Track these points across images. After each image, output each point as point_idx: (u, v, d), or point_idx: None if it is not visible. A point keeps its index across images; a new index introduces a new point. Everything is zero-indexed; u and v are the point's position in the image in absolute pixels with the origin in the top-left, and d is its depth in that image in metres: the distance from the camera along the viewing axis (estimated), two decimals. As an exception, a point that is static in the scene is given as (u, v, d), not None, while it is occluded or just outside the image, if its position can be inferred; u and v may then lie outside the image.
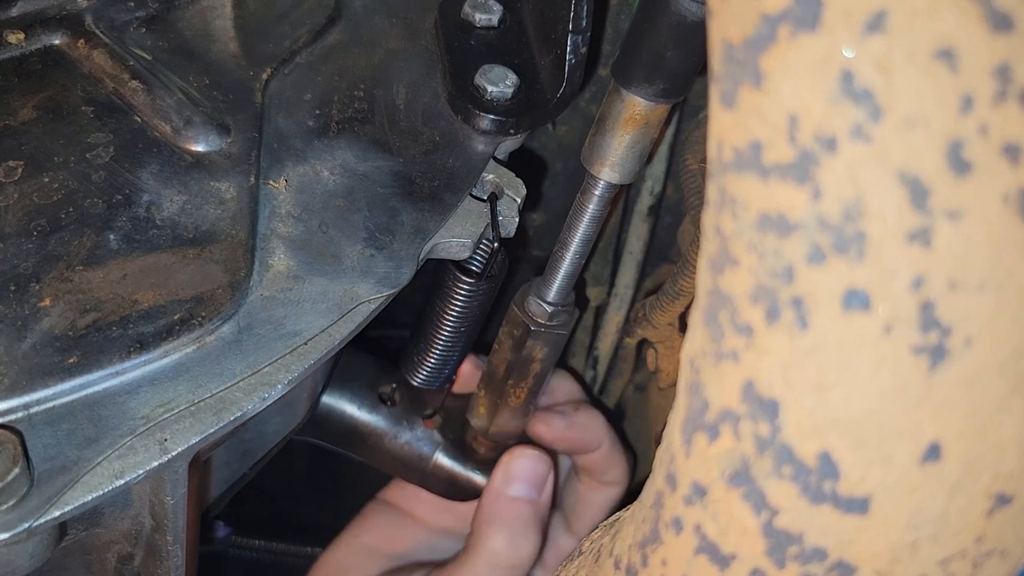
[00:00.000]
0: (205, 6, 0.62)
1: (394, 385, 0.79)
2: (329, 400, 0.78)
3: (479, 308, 0.68)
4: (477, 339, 0.74)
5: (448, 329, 0.69)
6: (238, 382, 0.48)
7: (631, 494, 0.81)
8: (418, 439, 0.79)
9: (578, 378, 0.88)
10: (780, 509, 0.30)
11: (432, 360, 0.72)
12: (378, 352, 0.82)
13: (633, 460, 0.84)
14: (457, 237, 0.57)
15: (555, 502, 0.82)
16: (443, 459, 0.79)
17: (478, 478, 0.79)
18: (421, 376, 0.73)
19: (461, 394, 0.80)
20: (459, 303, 0.67)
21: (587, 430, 0.79)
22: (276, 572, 1.01)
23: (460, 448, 0.80)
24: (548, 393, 0.82)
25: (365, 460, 0.81)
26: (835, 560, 0.30)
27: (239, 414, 0.47)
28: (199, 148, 0.55)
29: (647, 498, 0.36)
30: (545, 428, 0.77)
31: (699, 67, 0.55)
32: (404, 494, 0.86)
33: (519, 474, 0.76)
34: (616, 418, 0.94)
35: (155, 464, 0.45)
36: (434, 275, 0.68)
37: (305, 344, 0.50)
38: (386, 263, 0.54)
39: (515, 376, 0.71)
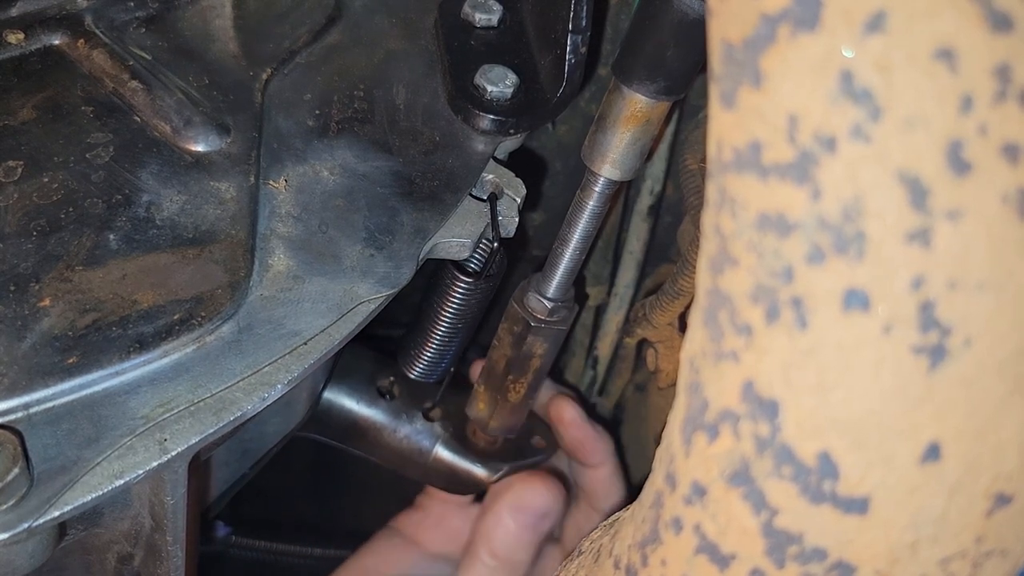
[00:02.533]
0: (205, 6, 0.62)
1: (392, 378, 0.80)
2: (328, 395, 0.78)
3: (477, 306, 0.68)
4: (474, 337, 0.74)
5: (446, 326, 0.69)
6: (238, 382, 0.48)
7: (631, 495, 0.81)
8: (418, 432, 0.79)
9: (575, 387, 0.89)
10: (780, 509, 0.30)
11: (429, 354, 0.72)
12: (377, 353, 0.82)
13: (629, 496, 0.85)
14: (457, 237, 0.57)
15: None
16: (443, 452, 0.79)
17: (478, 471, 0.80)
18: (418, 369, 0.73)
19: (461, 389, 0.80)
20: (457, 301, 0.67)
21: (598, 437, 0.79)
22: (276, 572, 1.01)
23: (460, 441, 0.80)
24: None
25: (365, 455, 0.81)
26: (835, 560, 0.30)
27: (239, 414, 0.47)
28: (199, 148, 0.55)
29: (646, 498, 0.36)
30: (567, 408, 0.78)
31: (700, 65, 0.55)
32: (411, 520, 0.87)
33: (528, 505, 0.78)
34: (616, 418, 0.94)
35: (155, 464, 0.45)
36: (432, 271, 0.68)
37: (305, 344, 0.50)
38: (386, 263, 0.54)
39: (515, 372, 0.71)
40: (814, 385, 0.28)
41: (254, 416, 0.48)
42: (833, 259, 0.27)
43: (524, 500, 0.78)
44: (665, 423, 0.35)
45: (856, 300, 0.27)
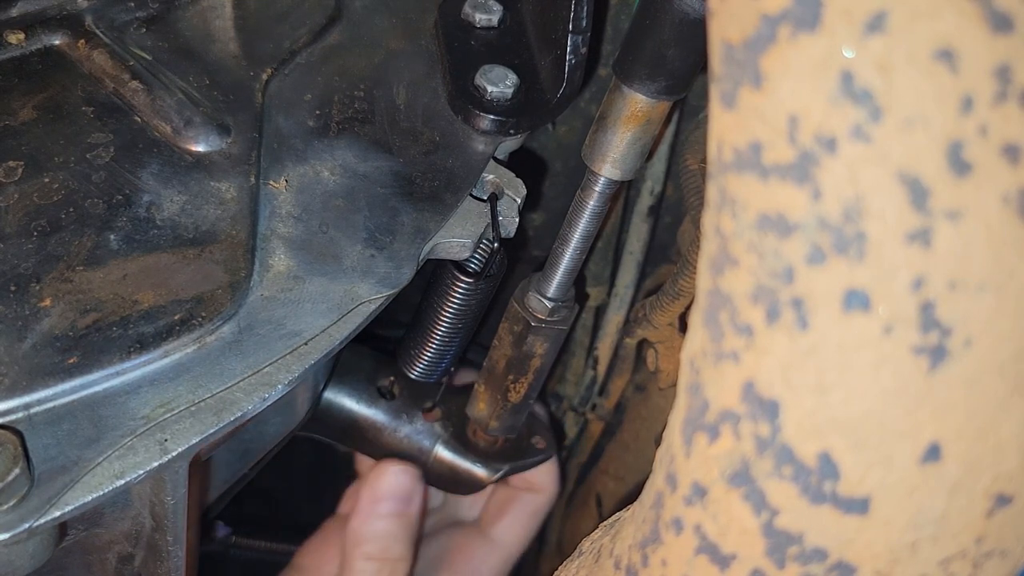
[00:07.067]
0: (205, 6, 0.62)
1: (392, 378, 0.80)
2: (328, 395, 0.78)
3: (477, 306, 0.68)
4: (474, 337, 0.74)
5: (446, 325, 0.69)
6: (238, 382, 0.48)
7: (631, 496, 0.81)
8: (418, 432, 0.79)
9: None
10: (780, 509, 0.30)
11: (429, 354, 0.72)
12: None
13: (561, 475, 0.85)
14: (457, 237, 0.57)
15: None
16: (443, 452, 0.79)
17: (479, 471, 0.80)
18: (418, 369, 0.73)
19: (461, 388, 0.80)
20: (457, 302, 0.67)
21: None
22: (276, 572, 1.01)
23: (460, 441, 0.80)
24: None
25: (366, 455, 0.81)
26: (835, 560, 0.30)
27: (239, 414, 0.47)
28: (199, 148, 0.55)
29: (647, 498, 0.36)
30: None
31: (701, 64, 0.55)
32: (314, 552, 0.86)
33: (386, 492, 0.77)
34: (616, 418, 0.94)
35: (155, 464, 0.45)
36: (432, 271, 0.68)
37: (305, 344, 0.50)
38: (386, 263, 0.54)
39: (515, 371, 0.71)
40: (814, 385, 0.28)
41: (254, 416, 0.48)
42: (834, 259, 0.27)
43: (381, 489, 0.77)
44: (665, 423, 0.35)
45: (857, 300, 0.27)
